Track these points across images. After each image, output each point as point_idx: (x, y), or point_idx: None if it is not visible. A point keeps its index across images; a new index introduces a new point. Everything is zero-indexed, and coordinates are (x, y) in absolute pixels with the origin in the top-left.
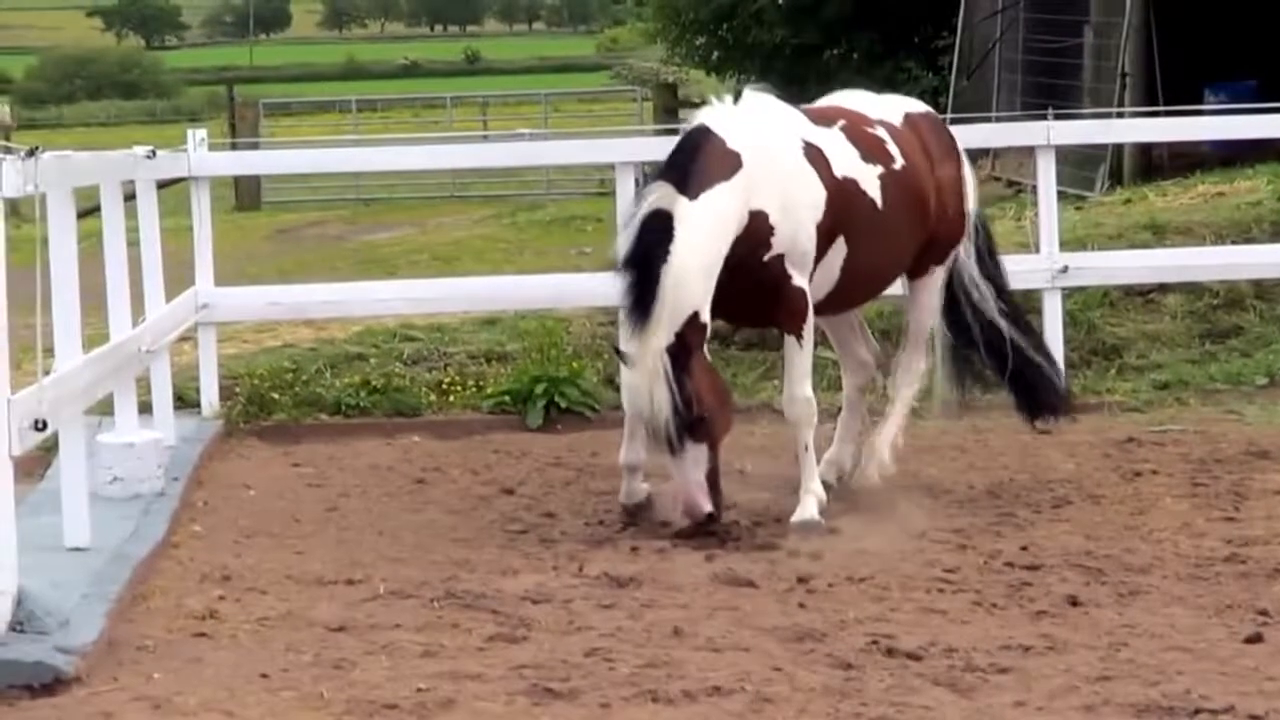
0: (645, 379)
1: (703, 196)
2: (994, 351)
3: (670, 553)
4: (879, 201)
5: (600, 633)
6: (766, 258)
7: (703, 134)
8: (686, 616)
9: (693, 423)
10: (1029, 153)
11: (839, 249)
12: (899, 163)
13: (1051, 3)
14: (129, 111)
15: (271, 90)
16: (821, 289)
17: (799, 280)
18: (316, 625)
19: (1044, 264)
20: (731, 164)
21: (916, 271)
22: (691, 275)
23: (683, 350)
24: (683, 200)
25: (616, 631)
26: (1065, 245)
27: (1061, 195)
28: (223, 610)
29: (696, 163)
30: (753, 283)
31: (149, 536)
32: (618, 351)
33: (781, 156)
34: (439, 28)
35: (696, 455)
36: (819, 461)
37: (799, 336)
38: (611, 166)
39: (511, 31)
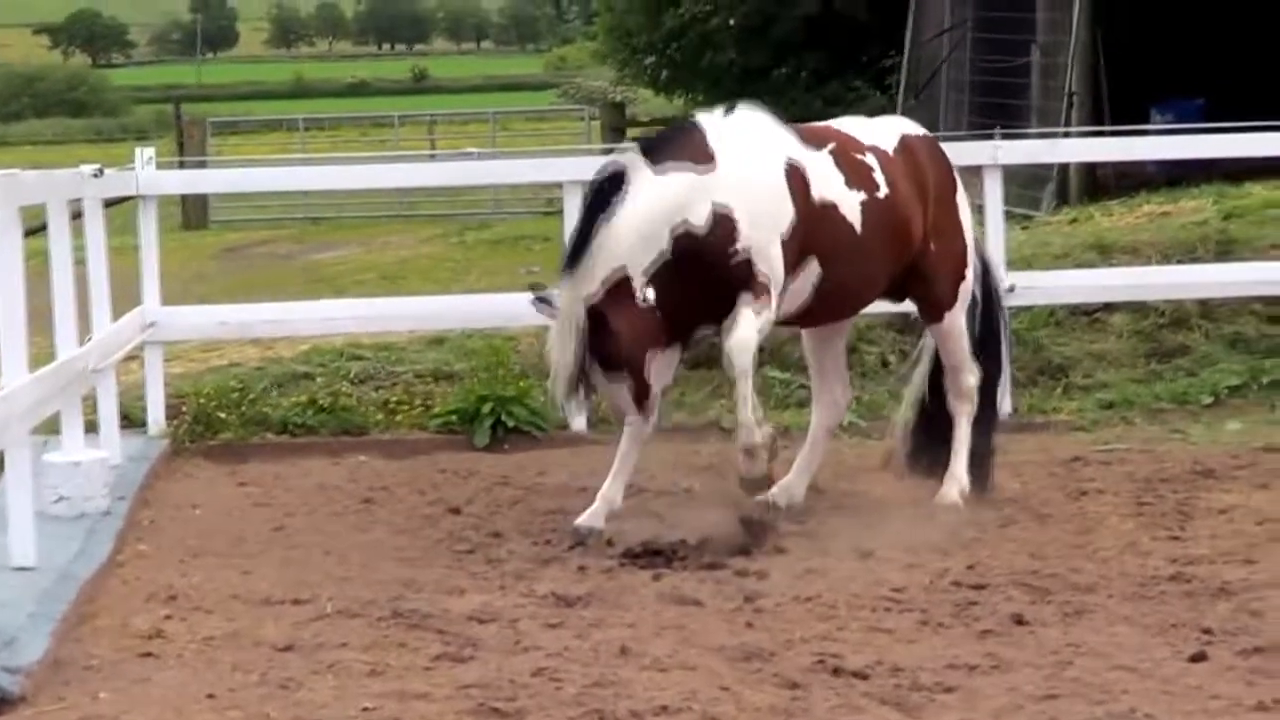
0: (562, 326)
1: (667, 174)
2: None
3: (617, 572)
4: (858, 227)
5: (547, 652)
6: (735, 260)
7: (690, 126)
8: (633, 636)
9: (607, 359)
10: (976, 172)
11: (811, 270)
12: (883, 191)
13: (998, 22)
14: (76, 130)
15: (219, 109)
16: (792, 304)
17: (764, 274)
18: (263, 645)
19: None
20: (706, 157)
21: (932, 316)
22: (627, 235)
23: (603, 305)
24: (646, 171)
25: (563, 651)
26: (1012, 265)
27: (1008, 215)
28: (169, 630)
29: (672, 145)
30: (721, 282)
31: (95, 556)
32: (532, 288)
33: (760, 170)
34: (386, 46)
35: (617, 380)
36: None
37: (755, 300)
38: (559, 185)
39: (459, 50)
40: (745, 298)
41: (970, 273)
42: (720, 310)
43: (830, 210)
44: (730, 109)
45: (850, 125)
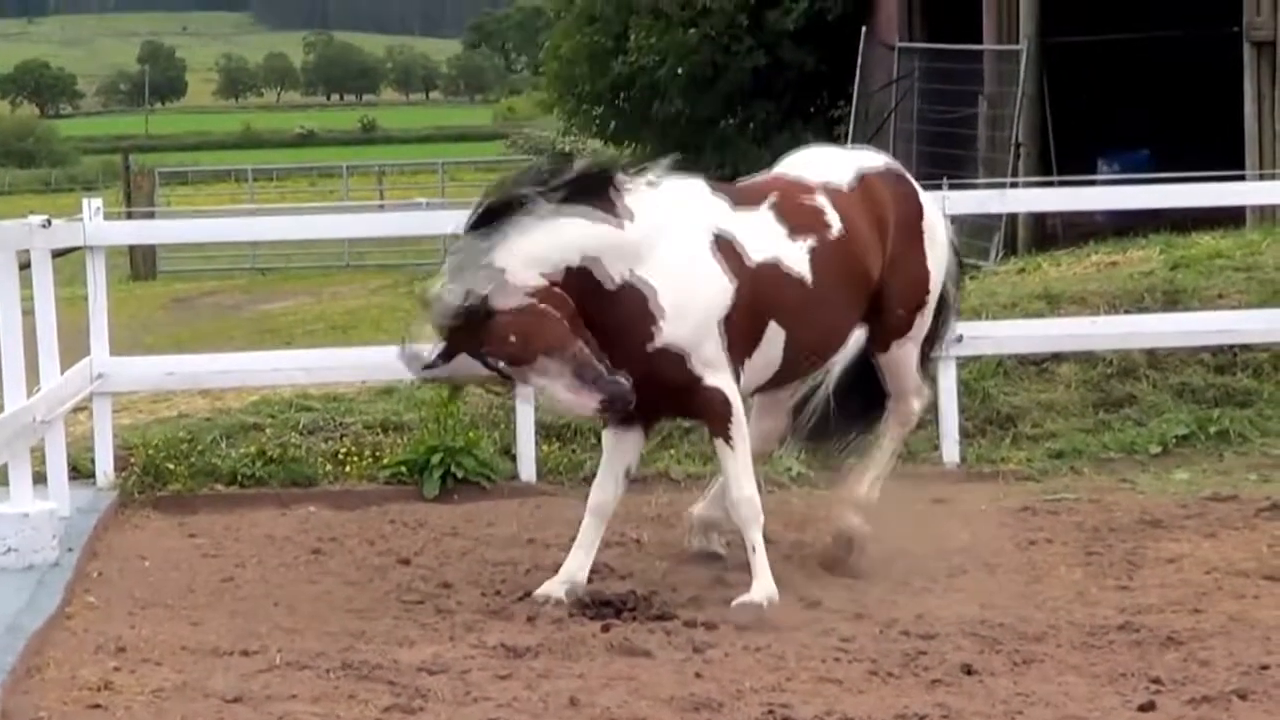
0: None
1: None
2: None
3: (566, 623)
4: (809, 278)
5: (497, 703)
6: (651, 347)
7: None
8: (583, 686)
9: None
10: None
11: (775, 334)
12: (835, 230)
13: (946, 73)
14: (24, 180)
15: (167, 159)
16: (765, 372)
17: (713, 379)
18: (212, 697)
19: None
20: (623, 213)
21: (877, 346)
22: (519, 253)
23: (485, 306)
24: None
25: (513, 702)
26: (960, 314)
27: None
28: (118, 682)
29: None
30: (644, 373)
31: (43, 608)
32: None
33: (681, 247)
34: (335, 96)
35: (547, 367)
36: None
37: (726, 439)
38: None
39: (408, 100)
40: (717, 442)
41: (931, 301)
42: (666, 405)
43: (772, 269)
44: (659, 177)
45: (805, 164)
